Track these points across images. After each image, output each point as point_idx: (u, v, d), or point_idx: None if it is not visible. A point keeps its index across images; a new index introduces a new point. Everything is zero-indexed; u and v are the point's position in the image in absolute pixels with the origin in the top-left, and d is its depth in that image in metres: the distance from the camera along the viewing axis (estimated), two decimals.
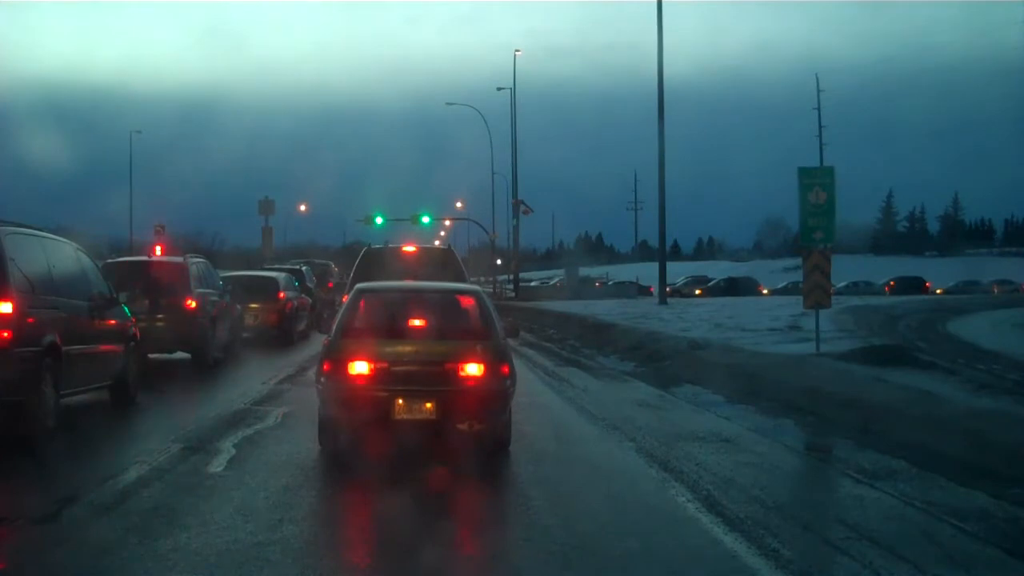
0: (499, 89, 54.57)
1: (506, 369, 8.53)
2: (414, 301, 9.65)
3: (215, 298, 17.81)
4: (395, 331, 8.89)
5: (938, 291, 66.08)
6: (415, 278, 12.70)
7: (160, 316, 16.09)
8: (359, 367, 8.35)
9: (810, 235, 17.17)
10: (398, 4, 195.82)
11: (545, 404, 12.61)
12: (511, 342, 9.50)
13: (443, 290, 10.67)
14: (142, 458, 8.47)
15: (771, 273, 79.87)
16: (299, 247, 76.22)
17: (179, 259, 17.53)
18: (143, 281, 16.49)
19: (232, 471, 8.00)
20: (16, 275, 9.07)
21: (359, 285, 10.26)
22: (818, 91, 76.64)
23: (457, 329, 9.17)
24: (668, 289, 41.15)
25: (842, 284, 58.79)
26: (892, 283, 67.94)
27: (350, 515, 7.20)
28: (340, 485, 8.02)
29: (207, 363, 16.61)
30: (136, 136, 65.78)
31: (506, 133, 55.90)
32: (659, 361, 18.02)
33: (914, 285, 66.06)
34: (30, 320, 9.21)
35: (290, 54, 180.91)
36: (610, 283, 68.60)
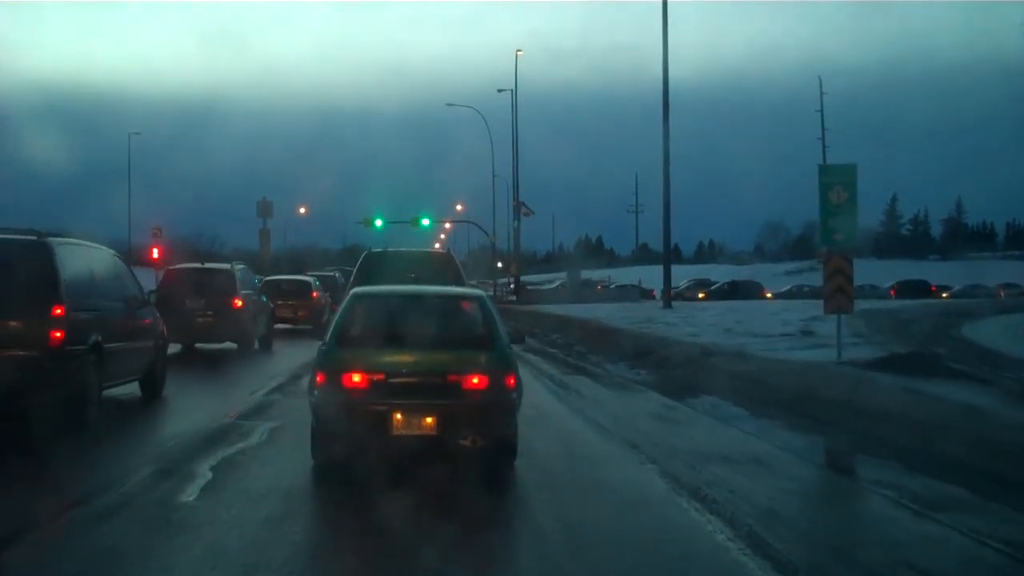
0: (500, 91, 53.75)
1: (512, 381, 7.91)
2: (414, 306, 8.99)
3: (254, 298, 21.26)
4: (394, 339, 8.15)
5: (943, 295, 65.17)
6: (415, 282, 12.44)
7: (211, 313, 19.62)
8: (354, 379, 7.69)
9: (831, 236, 16.24)
10: (398, 5, 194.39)
11: (554, 417, 11.66)
12: (515, 348, 8.88)
13: (445, 295, 9.98)
14: (108, 483, 7.52)
15: (773, 276, 78.90)
16: (298, 249, 75.31)
17: (227, 266, 21.50)
18: (198, 285, 20.09)
19: (205, 501, 7.03)
20: (66, 282, 10.00)
21: (355, 290, 9.69)
22: (821, 93, 75.68)
23: (459, 337, 8.50)
24: (670, 292, 40.21)
25: None
26: (896, 287, 66.87)
27: (336, 559, 6.16)
28: (327, 519, 7.05)
29: (250, 350, 20.29)
30: (135, 137, 65.07)
31: (506, 135, 55.08)
32: (671, 369, 17.09)
33: (918, 289, 65.06)
34: (78, 321, 10.08)
35: (290, 56, 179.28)
36: (612, 286, 67.57)
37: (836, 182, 16.36)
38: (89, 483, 7.58)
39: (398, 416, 7.60)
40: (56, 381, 9.67)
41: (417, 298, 9.43)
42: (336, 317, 8.71)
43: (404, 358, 7.88)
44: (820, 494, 7.85)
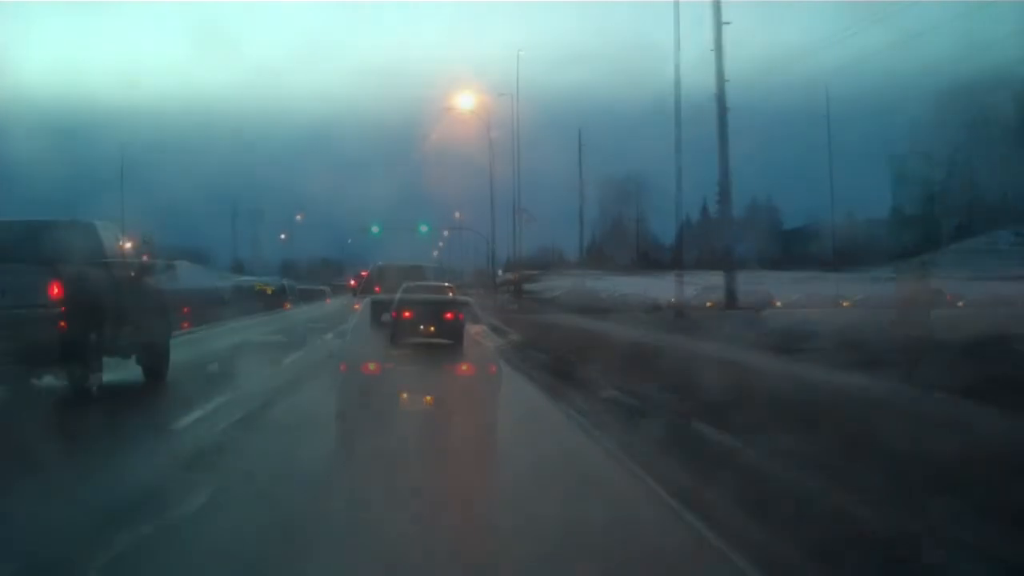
0: (501, 95, 52.75)
1: (461, 316, 17.96)
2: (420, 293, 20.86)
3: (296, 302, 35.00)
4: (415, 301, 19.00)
5: (959, 304, 62.81)
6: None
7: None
8: (406, 314, 17.65)
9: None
10: (396, 11, 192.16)
11: None
12: (472, 328, 19.97)
13: (437, 288, 21.67)
14: None
15: (780, 284, 76.50)
16: (295, 257, 73.65)
17: (281, 280, 33.19)
18: (259, 293, 29.80)
19: None
20: (187, 291, 21.02)
21: (379, 263, 22.71)
22: (827, 102, 73.75)
23: (446, 301, 20.28)
24: (675, 302, 38.17)
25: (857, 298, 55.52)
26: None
27: None
28: None
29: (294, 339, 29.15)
30: (127, 146, 63.58)
31: (505, 143, 53.08)
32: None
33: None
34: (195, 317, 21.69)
35: (285, 61, 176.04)
36: (617, 294, 64.97)
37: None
38: None
39: (422, 327, 17.15)
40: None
41: (419, 291, 21.56)
42: (369, 300, 22.95)
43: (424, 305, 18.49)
44: None
